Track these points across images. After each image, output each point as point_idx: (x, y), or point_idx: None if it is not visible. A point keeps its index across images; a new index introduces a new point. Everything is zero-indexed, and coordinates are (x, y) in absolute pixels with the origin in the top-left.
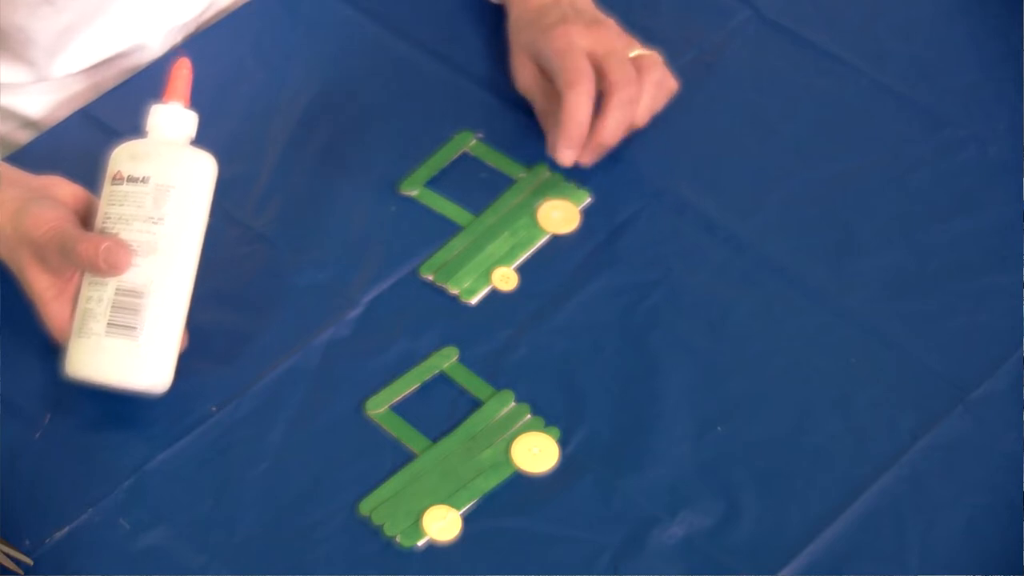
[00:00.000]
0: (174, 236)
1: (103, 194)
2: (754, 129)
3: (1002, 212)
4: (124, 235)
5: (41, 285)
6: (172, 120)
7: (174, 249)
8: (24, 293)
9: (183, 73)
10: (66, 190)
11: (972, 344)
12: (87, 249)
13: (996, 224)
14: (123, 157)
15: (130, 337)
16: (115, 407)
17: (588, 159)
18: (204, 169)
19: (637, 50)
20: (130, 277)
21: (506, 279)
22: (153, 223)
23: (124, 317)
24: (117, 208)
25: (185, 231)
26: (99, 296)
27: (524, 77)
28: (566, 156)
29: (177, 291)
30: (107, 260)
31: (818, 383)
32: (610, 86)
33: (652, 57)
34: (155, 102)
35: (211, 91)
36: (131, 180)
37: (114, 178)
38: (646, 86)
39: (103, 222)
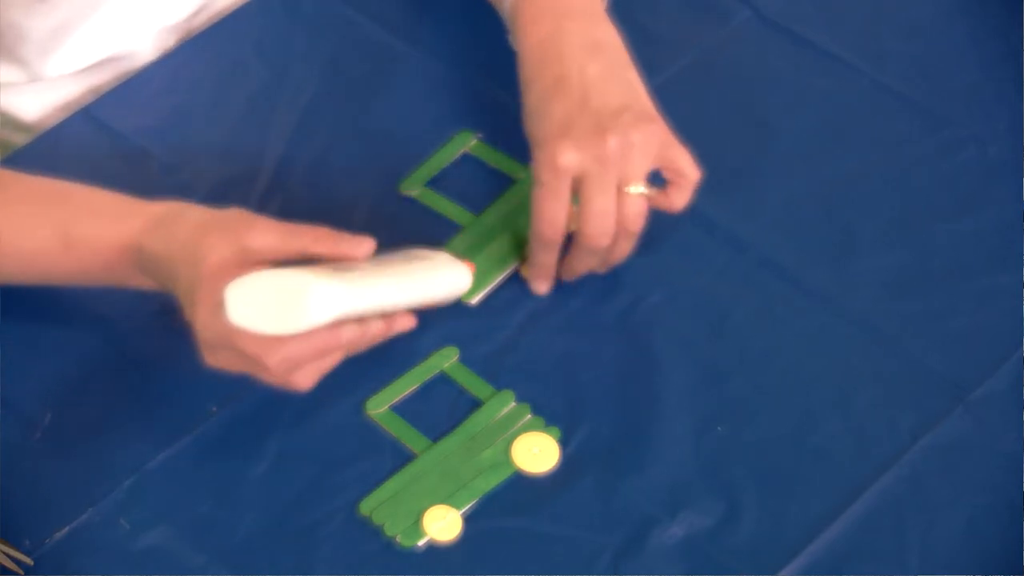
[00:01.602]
0: (407, 270)
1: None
2: (754, 129)
3: (1002, 212)
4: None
5: (218, 256)
6: (459, 268)
7: (412, 273)
8: (179, 289)
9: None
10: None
11: (972, 344)
12: (331, 234)
13: (996, 224)
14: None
15: (329, 269)
16: (115, 407)
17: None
18: (464, 279)
19: (639, 185)
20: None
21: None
22: (408, 260)
23: (335, 268)
24: (378, 257)
25: (427, 277)
26: None
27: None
28: (539, 288)
29: (390, 289)
30: (351, 241)
31: (818, 383)
32: (578, 235)
33: (640, 202)
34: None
35: (211, 91)
36: (405, 254)
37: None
38: (619, 241)
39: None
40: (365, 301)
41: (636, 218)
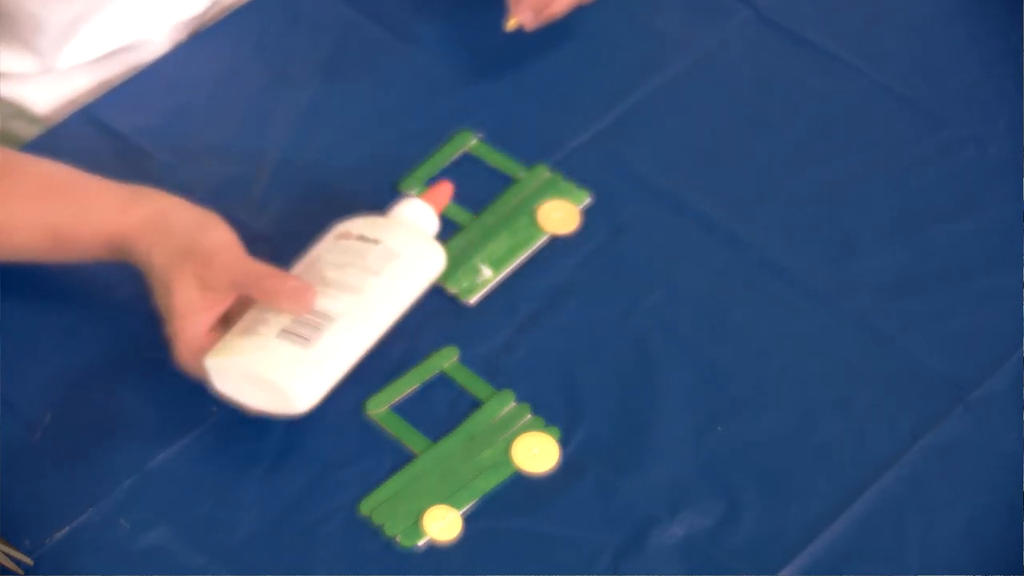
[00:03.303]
0: (384, 289)
1: (322, 245)
2: (754, 129)
3: (1002, 212)
4: (330, 274)
5: (187, 297)
6: (422, 213)
7: (378, 299)
8: (157, 304)
9: (446, 192)
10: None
11: (972, 344)
12: (274, 285)
13: (996, 224)
14: (358, 224)
15: (301, 346)
16: (115, 407)
17: (529, 18)
18: (435, 258)
19: None
20: (324, 305)
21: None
22: (368, 273)
23: (302, 330)
24: (335, 256)
25: (394, 292)
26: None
27: None
28: (526, 19)
29: (361, 334)
30: (291, 296)
31: (818, 383)
32: None
33: None
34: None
35: (211, 91)
36: (361, 239)
37: (341, 235)
38: None
39: (311, 264)
40: (345, 364)
41: None
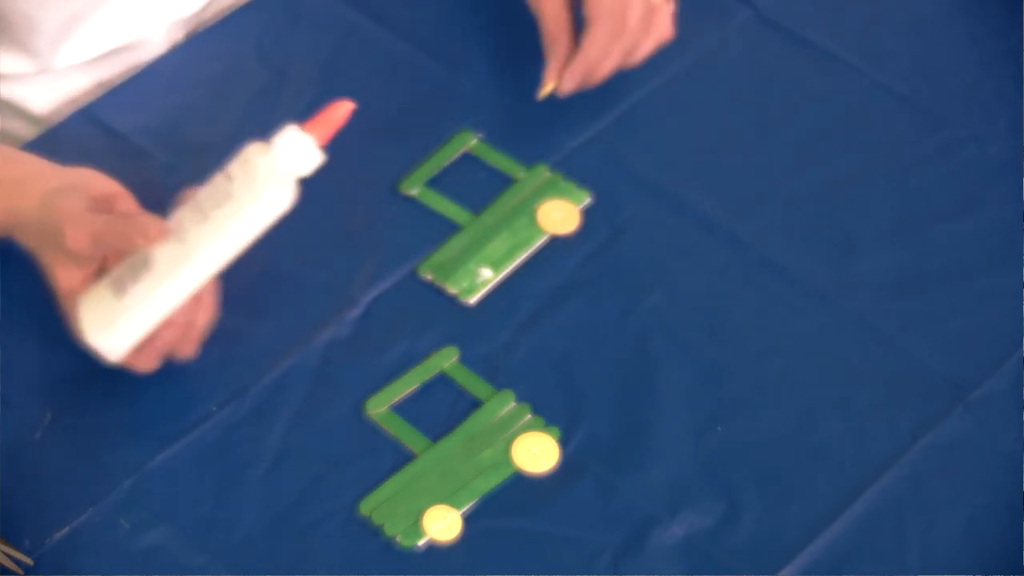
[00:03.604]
0: (206, 236)
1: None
2: (754, 129)
3: (1002, 212)
4: (187, 213)
5: (65, 277)
6: (295, 145)
7: (198, 247)
8: (49, 287)
9: (339, 114)
10: (97, 183)
11: (972, 344)
12: (124, 227)
13: (996, 224)
14: (240, 154)
15: (117, 296)
16: (115, 407)
17: (572, 84)
18: (274, 200)
19: None
20: (154, 252)
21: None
22: (198, 216)
23: (126, 278)
24: (203, 191)
25: (217, 239)
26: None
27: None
28: (565, 84)
29: (175, 285)
30: (139, 232)
31: (818, 383)
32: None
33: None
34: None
35: (211, 91)
36: (224, 175)
37: (222, 167)
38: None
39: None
40: (156, 314)
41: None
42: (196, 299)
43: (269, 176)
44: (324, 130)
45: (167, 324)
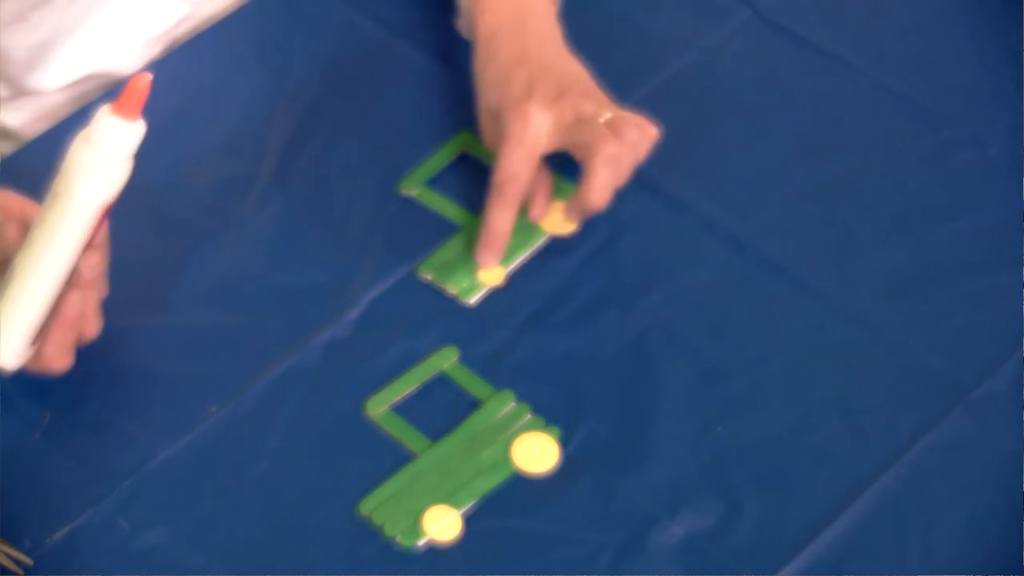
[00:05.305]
0: (43, 239)
1: None
2: (754, 129)
3: (1002, 212)
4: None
5: None
6: (107, 129)
7: (40, 251)
8: None
9: (139, 89)
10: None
11: (972, 344)
12: None
13: (996, 224)
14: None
15: None
16: (115, 407)
17: (576, 222)
18: (94, 185)
19: (608, 113)
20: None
21: (494, 275)
22: (40, 220)
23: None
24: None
25: (52, 240)
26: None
27: (490, 137)
28: (485, 261)
29: (33, 289)
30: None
31: (818, 383)
32: (588, 151)
33: (625, 118)
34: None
35: (211, 91)
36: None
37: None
38: (624, 147)
39: None
40: (26, 320)
41: (626, 126)
42: (72, 285)
43: (86, 165)
44: (132, 105)
45: (61, 319)
